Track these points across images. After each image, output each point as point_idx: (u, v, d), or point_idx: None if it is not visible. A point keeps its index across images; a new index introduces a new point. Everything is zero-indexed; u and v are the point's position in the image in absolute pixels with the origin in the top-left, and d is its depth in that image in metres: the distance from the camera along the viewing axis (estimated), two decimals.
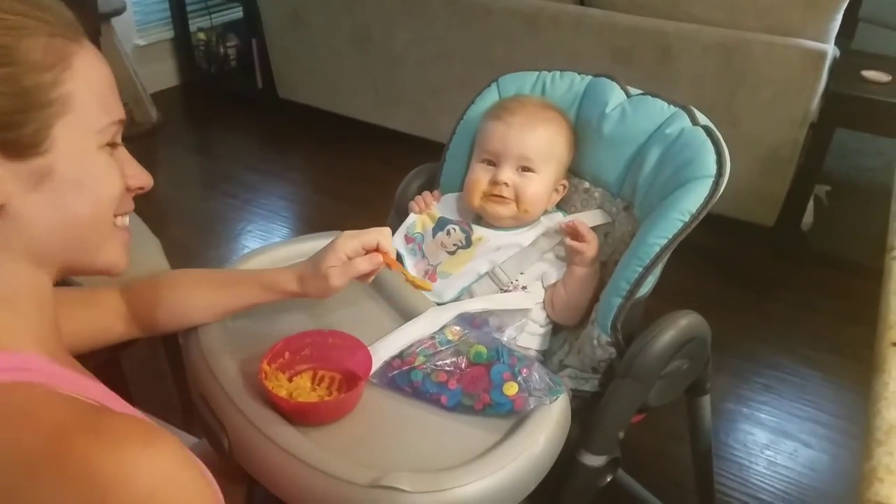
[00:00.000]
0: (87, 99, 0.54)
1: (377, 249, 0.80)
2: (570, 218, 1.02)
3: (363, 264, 0.79)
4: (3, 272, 0.54)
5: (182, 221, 2.25)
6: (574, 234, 0.96)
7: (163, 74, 3.15)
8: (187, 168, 2.67)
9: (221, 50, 3.12)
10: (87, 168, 0.54)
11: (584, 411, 0.83)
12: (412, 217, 1.06)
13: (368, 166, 2.58)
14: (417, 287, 0.89)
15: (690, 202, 0.86)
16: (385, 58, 2.52)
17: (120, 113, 0.58)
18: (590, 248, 0.95)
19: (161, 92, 3.08)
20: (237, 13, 3.18)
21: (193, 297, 0.82)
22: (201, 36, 3.12)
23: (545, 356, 0.99)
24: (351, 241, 0.79)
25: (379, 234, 0.81)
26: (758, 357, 1.76)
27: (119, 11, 2.58)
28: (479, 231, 1.01)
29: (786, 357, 1.77)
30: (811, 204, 2.14)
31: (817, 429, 1.56)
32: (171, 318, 0.82)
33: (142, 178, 0.61)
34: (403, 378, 0.78)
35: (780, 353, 1.78)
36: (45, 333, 0.57)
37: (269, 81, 2.89)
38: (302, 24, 2.64)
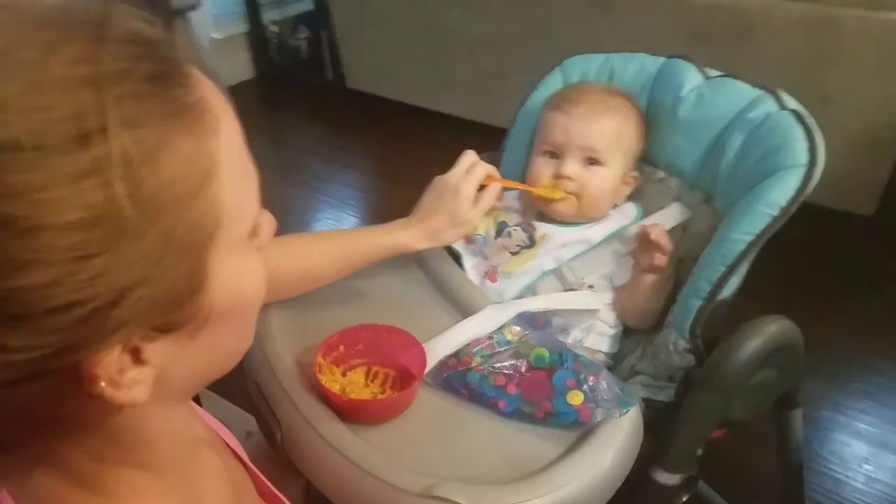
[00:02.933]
0: (234, 196, 0.37)
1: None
2: (648, 220, 0.94)
3: (491, 199, 0.86)
4: (135, 428, 0.40)
5: None
6: (654, 246, 0.87)
7: (238, 67, 3.21)
8: (260, 158, 2.63)
9: (293, 42, 3.16)
10: (239, 290, 0.40)
11: (658, 423, 0.77)
12: None
13: (432, 153, 2.53)
14: (546, 198, 0.93)
15: (779, 194, 0.78)
16: (450, 44, 2.47)
17: (255, 176, 0.42)
18: (665, 259, 0.88)
19: (237, 85, 3.16)
20: (308, 4, 3.21)
21: (321, 266, 0.83)
22: (274, 28, 3.16)
23: (615, 360, 0.93)
24: (469, 183, 0.84)
25: (483, 166, 0.86)
26: (857, 359, 1.61)
27: (195, 5, 2.64)
28: (542, 228, 0.96)
29: (889, 360, 1.61)
30: None
31: None
32: (300, 284, 0.84)
33: (271, 231, 0.46)
34: (459, 379, 0.74)
35: (882, 355, 1.62)
36: (183, 482, 0.46)
37: (338, 72, 2.91)
38: (368, 14, 2.63)
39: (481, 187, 0.86)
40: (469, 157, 0.86)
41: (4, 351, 0.30)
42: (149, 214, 0.31)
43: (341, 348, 0.78)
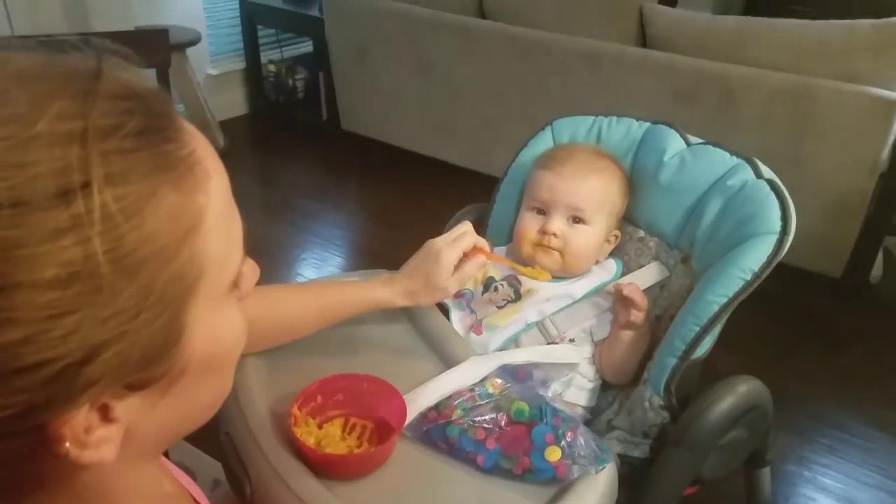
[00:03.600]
0: (218, 247, 0.36)
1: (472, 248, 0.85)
2: (628, 278, 0.97)
3: (473, 269, 0.85)
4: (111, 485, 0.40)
5: None
6: (629, 303, 0.90)
7: (232, 103, 3.25)
8: (250, 194, 2.74)
9: (290, 82, 3.22)
10: (217, 343, 0.39)
11: (633, 479, 0.78)
12: None
13: (423, 197, 2.59)
14: (530, 276, 0.93)
15: (752, 259, 0.82)
16: (444, 92, 2.54)
17: (240, 226, 0.40)
18: (641, 316, 0.90)
19: (230, 120, 3.19)
20: (307, 47, 3.28)
21: (300, 319, 0.83)
22: (271, 68, 3.22)
23: (593, 413, 0.95)
24: (452, 251, 0.84)
25: (472, 237, 0.85)
26: (822, 415, 1.65)
27: (194, 42, 2.69)
28: (528, 283, 0.98)
29: (853, 417, 1.65)
30: (881, 256, 2.03)
31: (887, 499, 1.44)
32: (278, 336, 0.83)
33: (253, 280, 0.43)
34: (439, 433, 0.74)
35: (846, 412, 1.66)
36: None
37: (333, 113, 2.96)
38: (366, 59, 2.70)
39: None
40: (462, 226, 0.87)
41: None
42: (127, 270, 0.31)
43: (319, 399, 0.76)
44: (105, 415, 0.34)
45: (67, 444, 0.32)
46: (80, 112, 0.30)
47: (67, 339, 0.29)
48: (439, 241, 0.85)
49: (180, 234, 0.33)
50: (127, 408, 0.34)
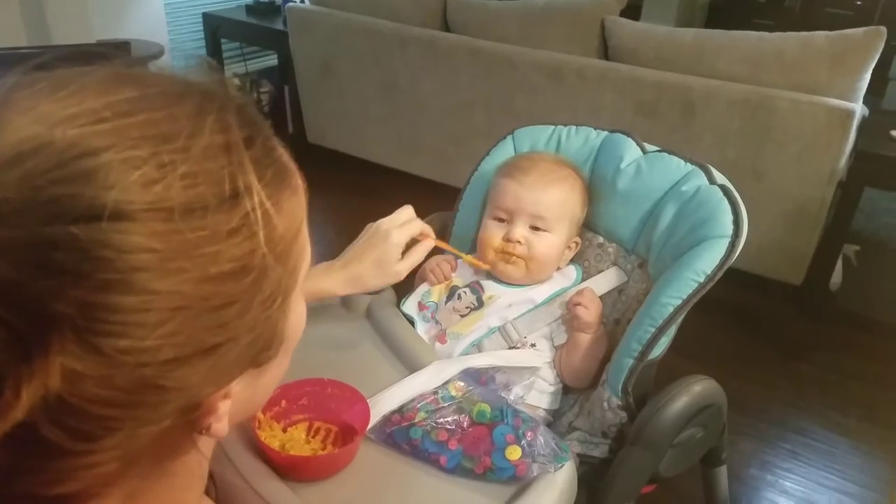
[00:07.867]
0: (306, 241, 0.41)
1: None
2: (586, 284, 0.99)
3: (422, 253, 0.86)
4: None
5: None
6: (575, 311, 0.93)
7: None
8: None
9: (255, 95, 3.20)
10: (298, 324, 0.43)
11: (593, 479, 0.80)
12: (426, 285, 1.03)
13: (389, 209, 2.59)
14: (474, 265, 0.97)
15: (706, 262, 0.84)
16: (410, 106, 2.56)
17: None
18: (589, 313, 0.92)
19: None
20: (272, 60, 3.28)
21: None
22: (235, 81, 3.21)
23: (555, 416, 0.96)
24: (401, 232, 0.84)
25: (418, 223, 0.86)
26: (784, 421, 1.69)
27: (157, 56, 2.66)
28: (490, 289, 1.00)
29: (814, 422, 1.69)
30: (840, 263, 2.09)
31: (846, 500, 1.48)
32: None
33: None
34: (402, 435, 0.75)
35: (807, 417, 1.71)
36: None
37: (299, 127, 2.95)
38: (332, 73, 2.70)
39: (414, 243, 0.88)
40: (407, 211, 0.88)
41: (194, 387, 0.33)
42: (280, 259, 0.35)
43: (283, 403, 0.77)
44: (227, 392, 0.37)
45: (216, 415, 0.36)
46: (226, 126, 0.33)
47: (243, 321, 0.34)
48: (385, 223, 0.85)
49: (296, 230, 0.38)
50: (238, 385, 0.38)
